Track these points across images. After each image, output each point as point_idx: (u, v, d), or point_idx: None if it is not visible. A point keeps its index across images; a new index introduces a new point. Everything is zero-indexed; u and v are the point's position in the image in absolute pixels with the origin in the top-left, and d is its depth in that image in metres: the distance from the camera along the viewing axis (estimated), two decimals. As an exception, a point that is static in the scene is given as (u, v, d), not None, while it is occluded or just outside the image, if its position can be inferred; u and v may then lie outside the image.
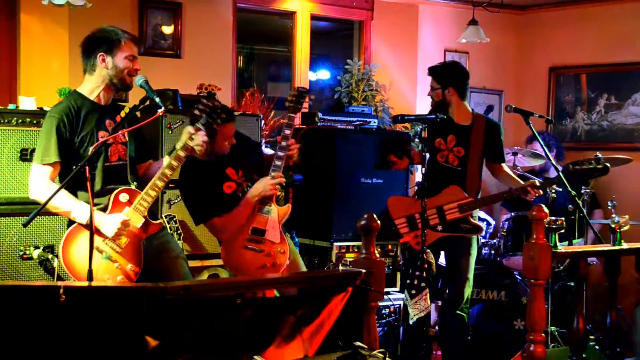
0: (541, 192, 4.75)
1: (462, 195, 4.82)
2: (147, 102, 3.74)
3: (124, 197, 3.68)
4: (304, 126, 5.66)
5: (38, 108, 4.73)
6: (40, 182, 3.59)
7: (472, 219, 4.89)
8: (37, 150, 3.66)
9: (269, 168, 4.17)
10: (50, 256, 4.41)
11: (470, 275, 4.95)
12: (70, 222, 3.69)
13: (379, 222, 3.32)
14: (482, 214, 5.96)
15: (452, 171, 4.92)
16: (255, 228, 4.13)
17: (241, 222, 4.11)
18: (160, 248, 3.84)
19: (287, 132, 4.15)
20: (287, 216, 4.20)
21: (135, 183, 3.79)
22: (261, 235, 4.12)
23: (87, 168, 3.36)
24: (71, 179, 3.42)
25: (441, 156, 4.94)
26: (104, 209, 3.66)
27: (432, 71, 5.04)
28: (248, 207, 4.11)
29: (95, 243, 3.54)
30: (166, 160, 3.74)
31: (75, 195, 3.61)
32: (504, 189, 4.91)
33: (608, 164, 4.69)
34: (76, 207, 3.57)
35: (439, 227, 4.84)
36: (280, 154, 4.14)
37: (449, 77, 4.96)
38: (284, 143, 4.14)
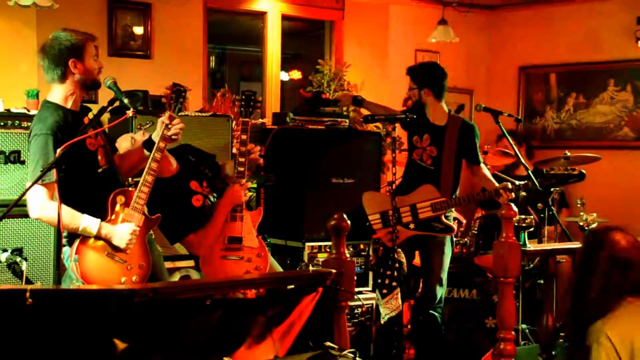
0: (513, 195, 4.79)
1: (435, 195, 4.85)
2: (116, 104, 3.72)
3: (120, 199, 3.67)
4: (275, 126, 5.65)
5: (5, 110, 4.69)
6: (42, 203, 3.52)
7: (445, 219, 4.92)
8: (33, 170, 3.54)
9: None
10: (18, 259, 4.37)
11: (444, 275, 4.98)
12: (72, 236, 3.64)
13: (349, 222, 3.33)
14: (454, 213, 5.99)
15: (425, 170, 4.96)
16: (231, 237, 4.14)
17: (216, 234, 4.11)
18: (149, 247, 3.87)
19: (244, 137, 4.14)
20: (260, 219, 4.24)
21: (127, 181, 3.80)
22: (238, 242, 4.14)
23: (54, 170, 3.33)
24: (42, 177, 3.38)
25: (416, 154, 5.01)
26: (105, 215, 3.63)
27: (410, 71, 5.11)
28: (221, 218, 4.11)
29: (105, 250, 3.57)
30: (133, 146, 3.82)
31: (75, 207, 3.57)
32: None
33: (583, 171, 4.76)
34: (84, 221, 3.53)
35: (411, 226, 4.87)
36: (241, 159, 4.14)
37: (424, 78, 5.00)
38: (242, 148, 4.14)
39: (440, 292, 4.97)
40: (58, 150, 3.35)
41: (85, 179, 3.62)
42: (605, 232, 3.04)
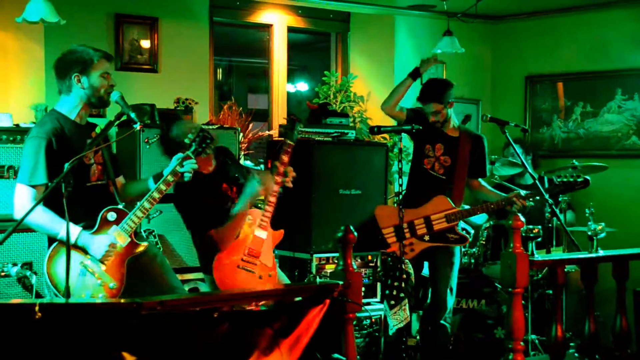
0: (526, 202, 4.79)
1: (449, 206, 4.84)
2: (123, 118, 3.74)
3: (111, 216, 3.69)
4: (282, 138, 5.66)
5: (14, 124, 4.73)
6: (25, 203, 3.56)
7: (457, 229, 4.91)
8: (22, 171, 3.62)
9: None
10: (28, 273, 4.39)
11: (454, 285, 4.97)
12: (51, 241, 3.68)
13: (355, 233, 3.33)
14: (461, 223, 5.99)
15: (437, 179, 4.94)
16: (252, 249, 4.24)
17: (237, 231, 4.17)
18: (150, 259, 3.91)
19: (285, 158, 4.26)
20: (279, 241, 4.37)
21: (123, 203, 3.80)
22: (257, 257, 4.23)
23: (62, 185, 3.34)
24: (47, 194, 3.41)
25: (428, 162, 4.97)
26: (90, 227, 3.65)
27: (438, 95, 4.92)
28: (242, 218, 4.18)
29: (81, 260, 3.59)
30: (151, 182, 3.81)
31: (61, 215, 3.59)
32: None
33: (588, 177, 4.76)
34: (63, 227, 3.52)
35: (426, 237, 4.85)
36: (278, 178, 4.23)
37: (449, 94, 4.97)
38: (281, 169, 4.24)
39: (451, 301, 4.96)
40: (67, 165, 3.37)
41: (72, 190, 3.61)
42: None
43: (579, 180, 4.76)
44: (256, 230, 4.22)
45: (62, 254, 3.57)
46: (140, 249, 3.76)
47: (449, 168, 4.94)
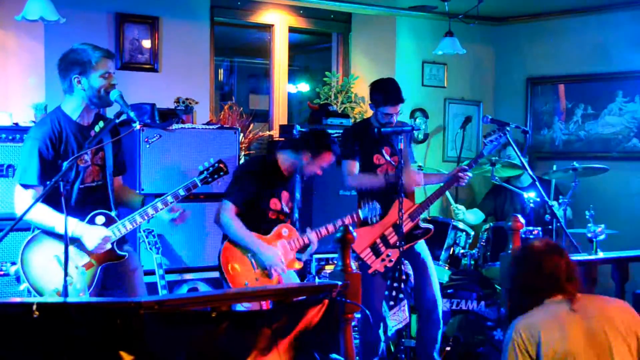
0: (470, 174, 4.87)
1: (409, 204, 4.82)
2: (123, 117, 3.73)
3: (99, 219, 3.69)
4: (282, 139, 5.66)
5: (14, 123, 4.72)
6: (22, 202, 3.60)
7: (420, 223, 4.88)
8: (18, 170, 3.69)
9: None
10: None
11: (435, 279, 4.95)
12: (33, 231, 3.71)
13: (354, 234, 3.32)
14: (462, 225, 5.99)
15: (392, 181, 4.84)
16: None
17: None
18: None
19: (348, 220, 4.66)
20: (290, 269, 4.63)
21: (116, 212, 3.79)
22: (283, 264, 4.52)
23: (61, 183, 3.34)
24: (45, 194, 3.41)
25: (381, 170, 4.91)
26: None
27: (402, 97, 4.91)
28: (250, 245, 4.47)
29: (56, 252, 3.61)
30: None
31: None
32: None
33: (508, 127, 4.84)
34: (60, 220, 3.53)
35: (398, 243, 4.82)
36: (330, 228, 4.68)
37: None
38: (338, 224, 4.61)
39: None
40: (65, 164, 3.37)
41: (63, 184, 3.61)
42: (529, 241, 3.34)
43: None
44: (282, 242, 4.54)
45: (39, 242, 3.64)
46: (118, 259, 3.77)
47: (397, 167, 4.89)
